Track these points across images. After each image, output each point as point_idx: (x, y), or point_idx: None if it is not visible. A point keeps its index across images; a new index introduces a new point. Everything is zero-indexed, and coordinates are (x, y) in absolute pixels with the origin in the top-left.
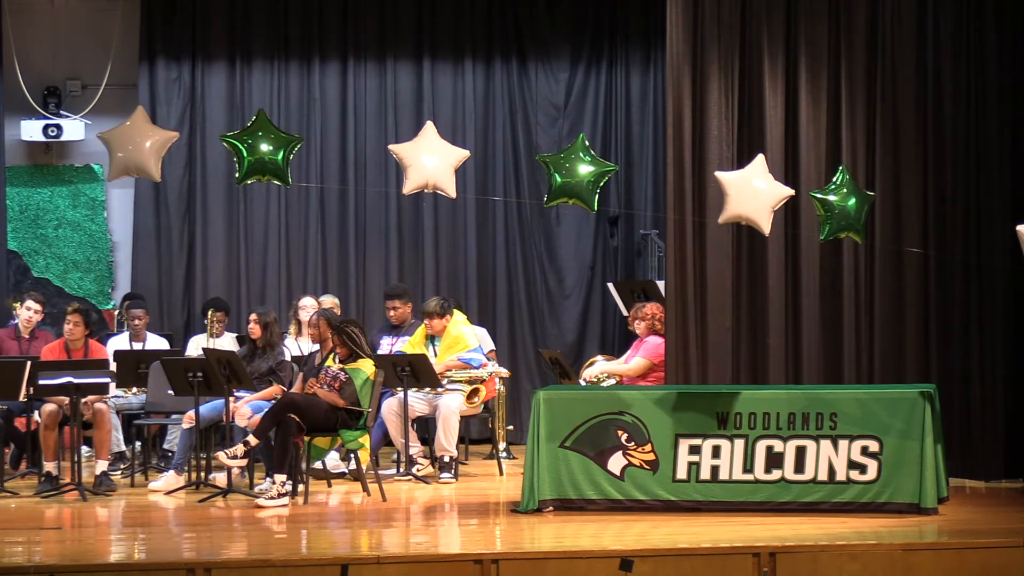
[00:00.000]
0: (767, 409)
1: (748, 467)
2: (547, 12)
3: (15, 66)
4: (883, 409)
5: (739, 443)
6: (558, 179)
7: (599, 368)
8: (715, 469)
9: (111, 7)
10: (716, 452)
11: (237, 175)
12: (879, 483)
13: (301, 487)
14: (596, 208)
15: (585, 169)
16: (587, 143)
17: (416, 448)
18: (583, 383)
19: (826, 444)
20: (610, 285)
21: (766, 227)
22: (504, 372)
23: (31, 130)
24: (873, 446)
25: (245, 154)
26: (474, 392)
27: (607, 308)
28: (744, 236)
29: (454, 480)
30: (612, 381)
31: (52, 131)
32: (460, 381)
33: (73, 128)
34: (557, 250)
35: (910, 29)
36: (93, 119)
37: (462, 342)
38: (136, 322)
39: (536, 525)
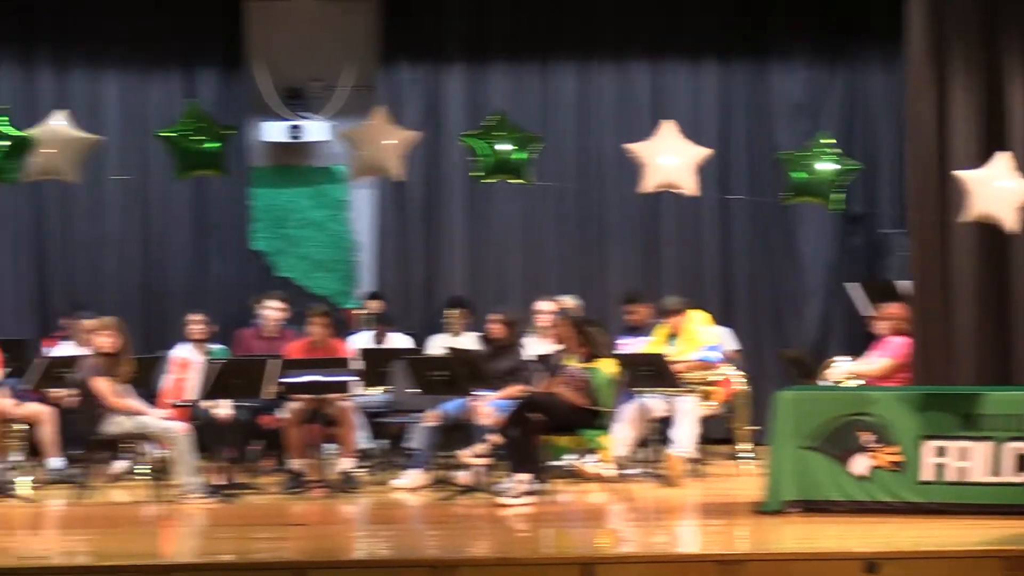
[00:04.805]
0: (1016, 411)
1: (996, 469)
2: (787, 10)
3: (259, 68)
4: None
5: (987, 445)
6: (799, 177)
7: (843, 369)
8: (962, 471)
9: (352, 8)
10: (963, 454)
11: (478, 174)
12: None
13: (543, 486)
14: (838, 207)
15: (826, 167)
16: (828, 140)
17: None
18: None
19: None
20: (851, 285)
21: (1011, 225)
22: (741, 374)
23: (274, 131)
24: None
25: (486, 153)
26: (712, 392)
27: (850, 308)
28: (989, 235)
29: (693, 480)
30: (856, 382)
31: (295, 132)
32: (698, 382)
33: (316, 129)
34: (798, 249)
35: None
36: (336, 120)
37: (701, 341)
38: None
39: (779, 526)
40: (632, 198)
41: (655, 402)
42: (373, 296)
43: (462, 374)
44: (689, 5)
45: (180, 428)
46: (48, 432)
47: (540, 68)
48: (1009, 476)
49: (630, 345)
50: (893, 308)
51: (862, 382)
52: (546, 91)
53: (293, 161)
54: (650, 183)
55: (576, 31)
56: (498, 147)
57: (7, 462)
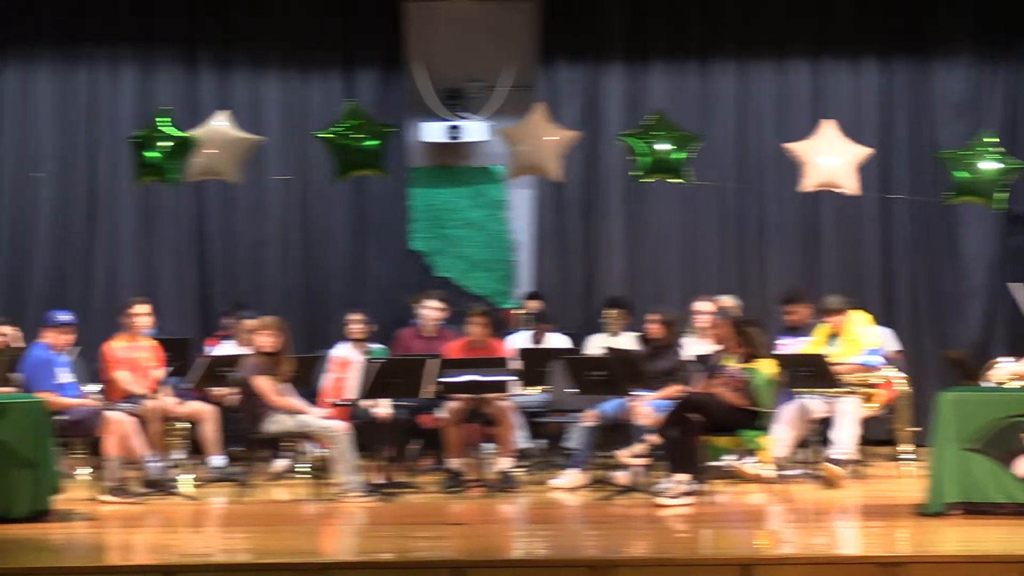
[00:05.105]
0: None
1: None
2: (947, 7)
3: (418, 68)
4: None
5: None
6: (961, 176)
7: (1006, 371)
8: None
9: (511, 8)
10: None
11: (636, 173)
12: None
13: (702, 486)
14: (1001, 206)
15: (989, 166)
16: (991, 139)
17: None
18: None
19: None
20: (1014, 285)
21: None
22: (902, 376)
23: (433, 132)
24: None
25: (644, 153)
26: (873, 394)
27: (1013, 309)
28: None
29: (853, 482)
30: (1019, 383)
31: (454, 132)
32: (859, 383)
33: (474, 129)
34: (960, 249)
35: None
36: (494, 120)
37: (862, 343)
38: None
39: (941, 528)
40: (792, 197)
41: (815, 403)
42: (532, 296)
43: (620, 374)
44: (849, 3)
45: (340, 427)
46: (210, 430)
47: (699, 67)
48: None
49: (789, 345)
50: None
51: None
52: (705, 90)
53: (452, 161)
54: (810, 182)
55: (735, 30)
56: (657, 146)
57: (169, 460)
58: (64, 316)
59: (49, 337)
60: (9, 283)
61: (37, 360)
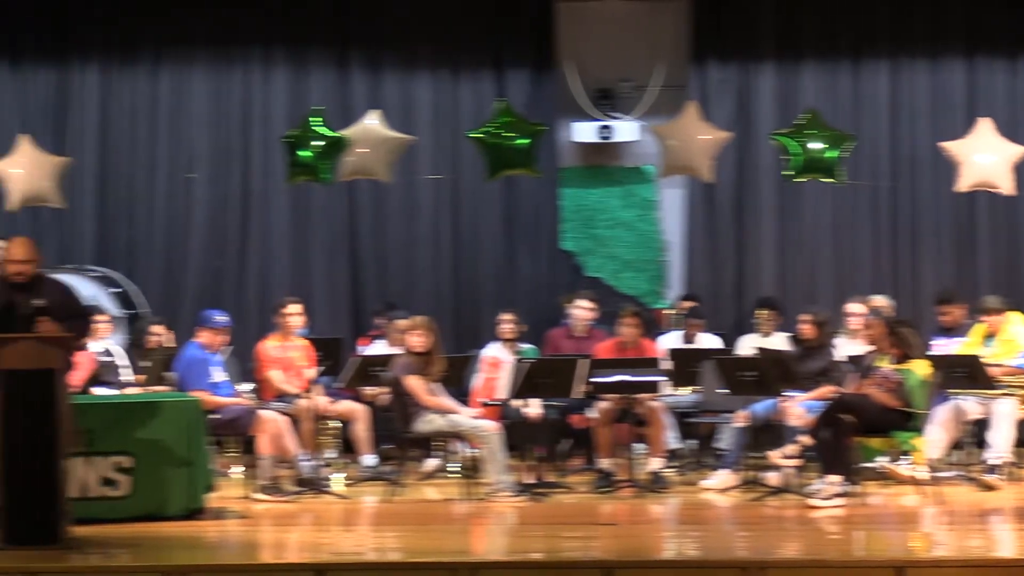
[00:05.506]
0: None
1: None
2: None
3: (569, 69)
4: None
5: None
6: None
7: None
8: None
9: (662, 8)
10: None
11: (789, 173)
12: None
13: (855, 488)
14: None
15: None
16: None
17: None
18: None
19: None
20: None
21: None
22: None
23: (584, 131)
24: None
25: (797, 152)
26: None
27: None
28: None
29: (1009, 484)
30: None
31: (605, 132)
32: (1016, 384)
33: (626, 129)
34: None
35: None
36: (645, 120)
37: (1019, 344)
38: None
39: None
40: (946, 197)
41: (970, 404)
42: (684, 296)
43: (772, 375)
44: (1004, 2)
45: (491, 427)
46: (361, 430)
47: (852, 65)
48: None
49: (944, 346)
50: None
51: None
52: (858, 88)
53: (602, 161)
54: (965, 182)
55: (888, 28)
56: (810, 146)
57: (321, 459)
58: (221, 318)
59: (204, 337)
60: (164, 283)
61: (192, 359)
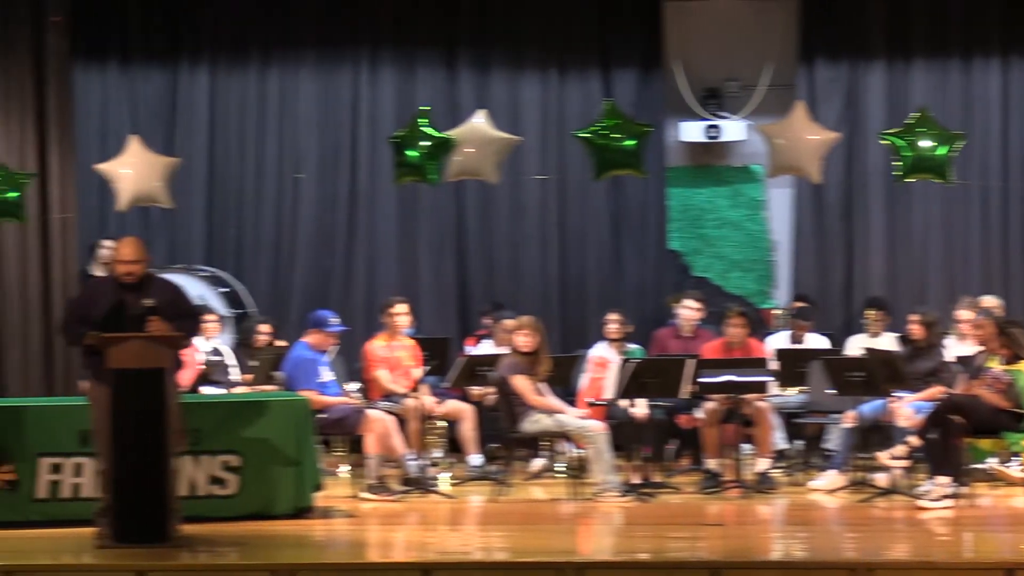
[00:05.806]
0: None
1: None
2: None
3: (676, 68)
4: None
5: None
6: None
7: None
8: None
9: (770, 7)
10: None
11: (898, 173)
12: None
13: (964, 489)
14: None
15: None
16: None
17: None
18: None
19: None
20: None
21: None
22: None
23: (691, 131)
24: None
25: (906, 152)
26: None
27: None
28: None
29: None
30: None
31: (712, 132)
32: None
33: (733, 129)
34: None
35: None
36: (753, 120)
37: None
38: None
39: None
40: None
41: None
42: (797, 297)
43: (880, 375)
44: None
45: (597, 427)
46: (468, 429)
47: (962, 64)
48: None
49: None
50: None
51: None
52: (968, 88)
53: (710, 161)
54: None
55: (999, 25)
56: (919, 145)
57: (428, 458)
58: (334, 321)
59: (312, 337)
60: (272, 283)
61: (300, 359)
